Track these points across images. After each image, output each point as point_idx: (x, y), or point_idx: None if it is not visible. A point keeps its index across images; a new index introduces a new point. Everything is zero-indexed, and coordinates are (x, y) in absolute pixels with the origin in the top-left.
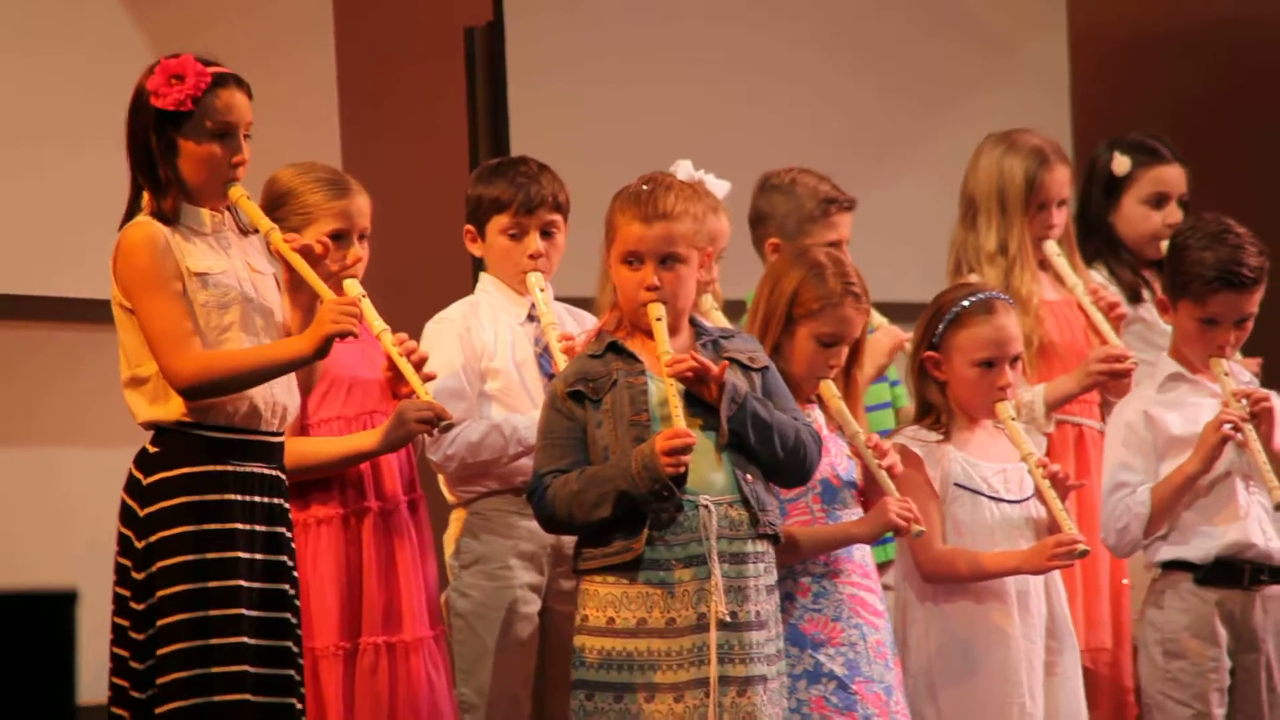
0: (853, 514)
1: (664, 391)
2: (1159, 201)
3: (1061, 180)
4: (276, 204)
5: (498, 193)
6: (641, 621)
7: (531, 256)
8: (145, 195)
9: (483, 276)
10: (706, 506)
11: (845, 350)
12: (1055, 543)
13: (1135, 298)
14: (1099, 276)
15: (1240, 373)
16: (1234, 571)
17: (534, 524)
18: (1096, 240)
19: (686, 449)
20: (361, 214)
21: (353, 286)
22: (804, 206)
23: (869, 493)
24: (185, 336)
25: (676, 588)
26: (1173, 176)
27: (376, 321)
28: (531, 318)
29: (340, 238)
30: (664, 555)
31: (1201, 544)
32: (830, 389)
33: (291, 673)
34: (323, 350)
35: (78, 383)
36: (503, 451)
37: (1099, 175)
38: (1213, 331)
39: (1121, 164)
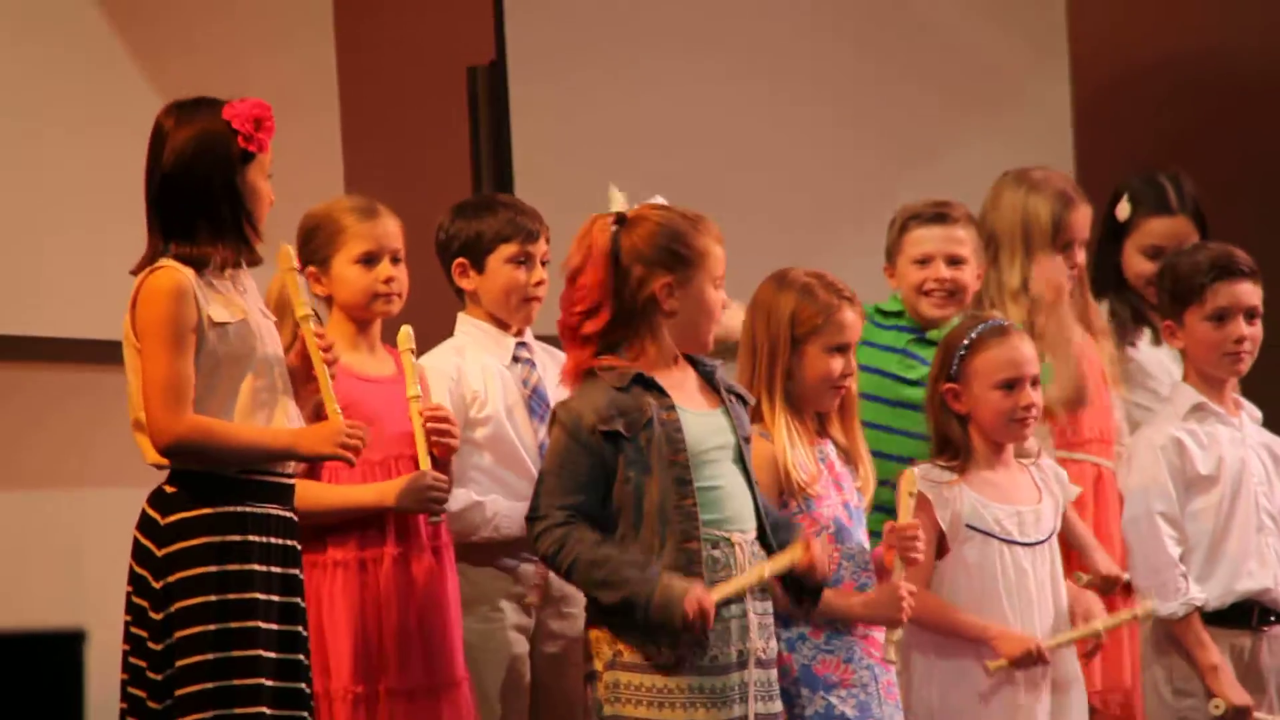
0: (865, 555)
1: (702, 425)
2: (1154, 254)
3: (1084, 221)
4: (309, 235)
5: (500, 223)
6: (682, 659)
7: (538, 284)
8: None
9: (462, 318)
10: (741, 545)
11: (852, 359)
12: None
13: (1125, 338)
14: (1104, 310)
15: (1252, 409)
16: (1243, 613)
17: (524, 565)
18: (1105, 276)
19: (708, 620)
20: (391, 236)
21: (405, 338)
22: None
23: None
24: (183, 395)
25: (717, 624)
26: (1173, 229)
27: (413, 385)
28: (517, 359)
29: (372, 260)
30: None
31: (1219, 588)
32: (912, 480)
33: (305, 715)
34: (315, 462)
35: (72, 422)
36: (476, 530)
37: (1107, 215)
38: (1225, 327)
39: (1123, 209)
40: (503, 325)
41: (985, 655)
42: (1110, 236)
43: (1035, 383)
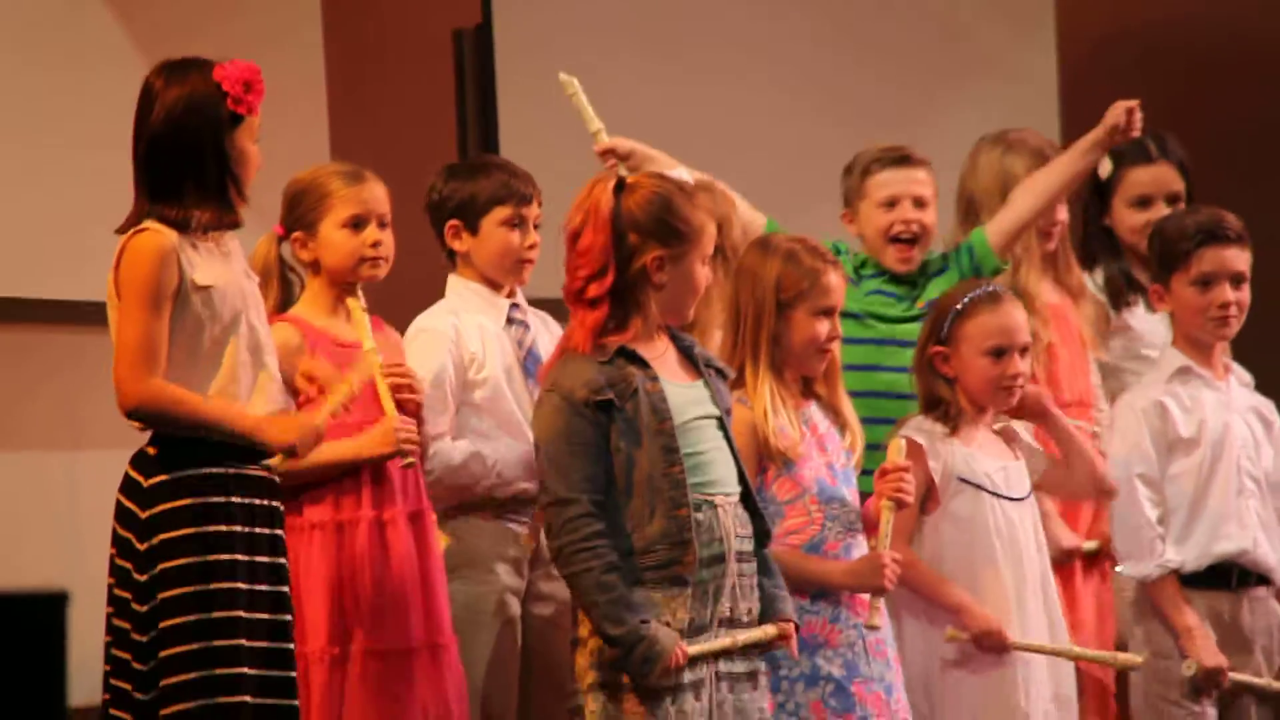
0: (851, 513)
1: (684, 396)
2: (1143, 202)
3: None
4: (295, 201)
5: (495, 185)
6: (667, 624)
7: (530, 247)
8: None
9: (454, 280)
10: (724, 507)
11: (839, 323)
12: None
13: (1118, 304)
14: (1096, 280)
15: (1242, 373)
16: (1222, 575)
17: (516, 527)
18: (1095, 243)
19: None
20: (378, 200)
21: (355, 306)
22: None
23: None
24: (151, 358)
25: (697, 588)
26: (1156, 176)
27: (368, 339)
28: (511, 321)
29: (359, 224)
30: None
31: (1195, 550)
32: (887, 521)
33: (294, 675)
34: (289, 452)
35: (67, 385)
36: (480, 480)
37: (1091, 179)
38: (1210, 292)
39: (1105, 167)
40: (495, 287)
41: (953, 623)
42: (1096, 199)
43: (1025, 351)
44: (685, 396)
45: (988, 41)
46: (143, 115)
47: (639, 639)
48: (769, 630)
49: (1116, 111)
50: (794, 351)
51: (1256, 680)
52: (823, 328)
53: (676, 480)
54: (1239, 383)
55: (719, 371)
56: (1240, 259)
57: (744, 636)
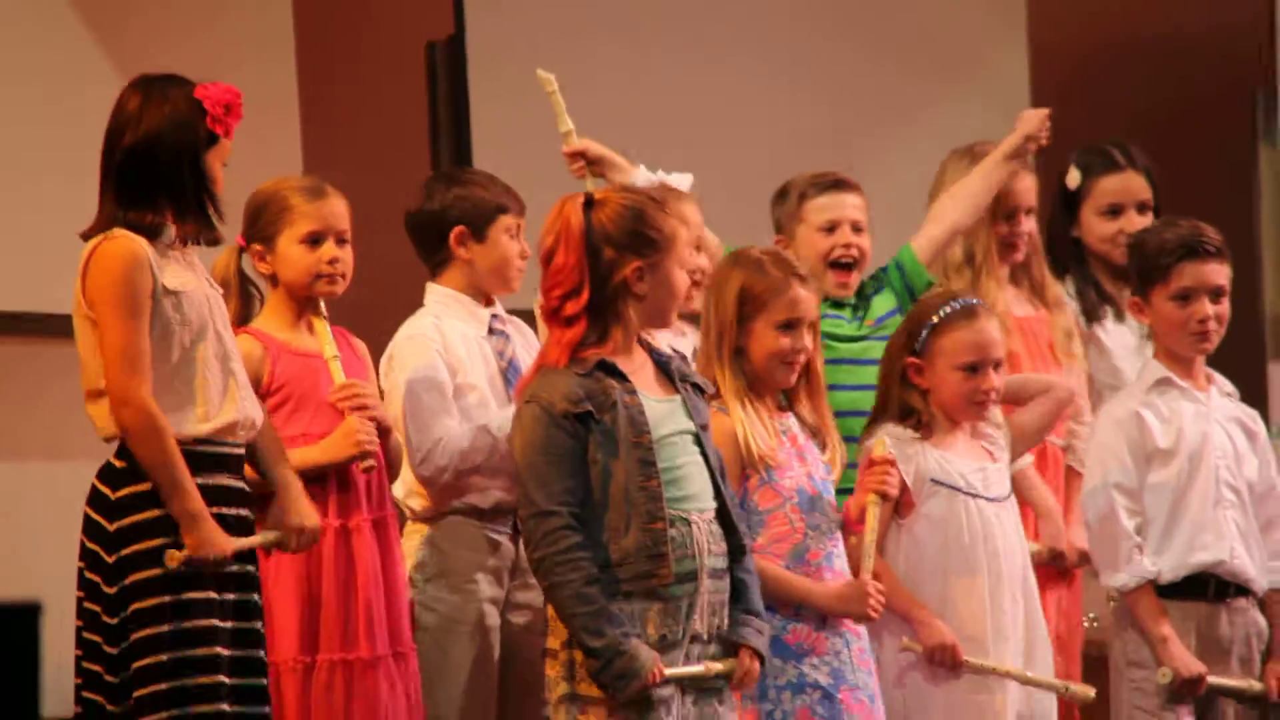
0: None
1: (660, 410)
2: (1114, 211)
3: (1028, 188)
4: (256, 213)
5: (497, 195)
6: (639, 637)
7: (524, 256)
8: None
9: (434, 288)
10: (698, 524)
11: (807, 334)
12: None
13: (1092, 316)
14: (1069, 290)
15: (1224, 384)
16: (1200, 585)
17: (496, 537)
18: (1064, 254)
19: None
20: (337, 216)
21: (321, 326)
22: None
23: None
24: (142, 363)
25: (670, 604)
26: (1125, 184)
27: (329, 347)
28: (493, 330)
29: (317, 240)
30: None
31: (1172, 560)
32: (873, 516)
33: (265, 682)
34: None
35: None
36: (493, 449)
37: (1059, 189)
38: (1189, 307)
39: (1073, 177)
40: (477, 296)
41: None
42: (1065, 208)
43: (999, 366)
44: (662, 411)
45: (961, 45)
46: (121, 126)
47: (618, 653)
48: (731, 665)
49: (1032, 119)
50: (758, 363)
51: (1231, 682)
52: (784, 341)
53: (653, 493)
54: (1220, 393)
55: (696, 386)
56: (1220, 273)
57: (718, 667)
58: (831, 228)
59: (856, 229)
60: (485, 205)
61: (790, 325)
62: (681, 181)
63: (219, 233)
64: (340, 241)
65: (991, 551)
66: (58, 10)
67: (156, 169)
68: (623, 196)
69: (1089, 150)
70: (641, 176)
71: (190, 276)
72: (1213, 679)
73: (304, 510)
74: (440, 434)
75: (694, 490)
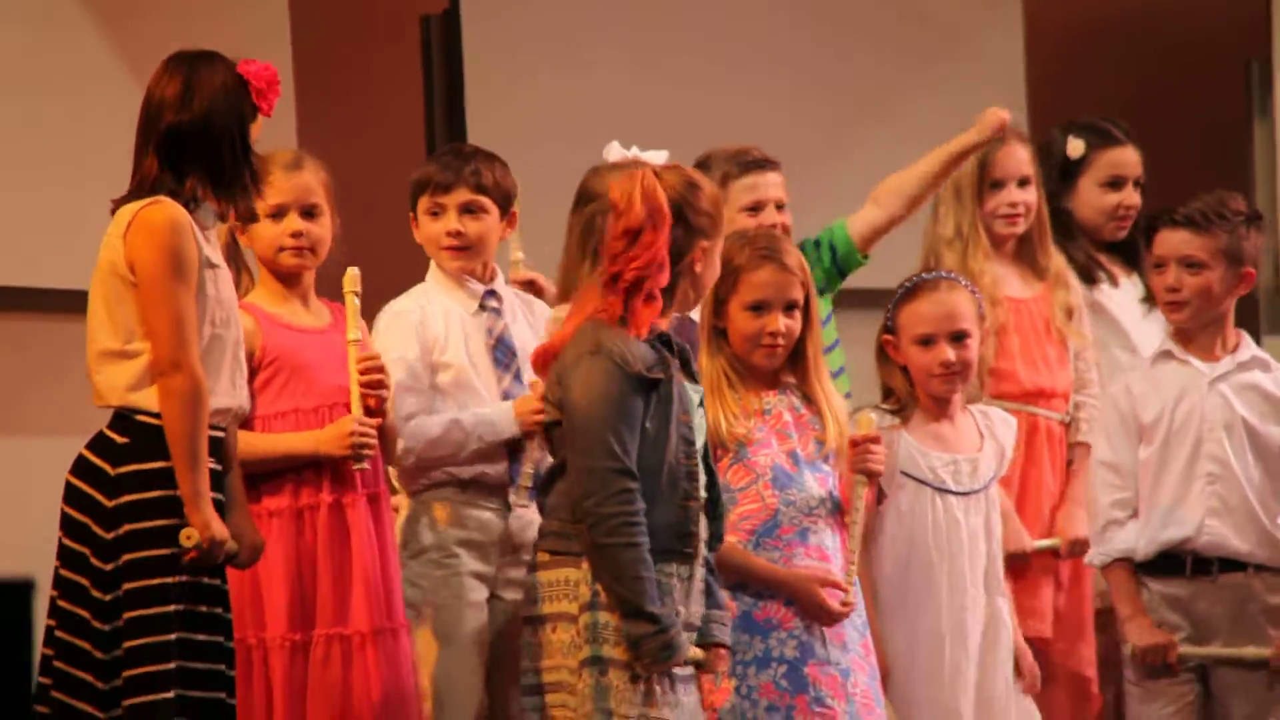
0: (812, 500)
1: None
2: (1115, 184)
3: (1018, 158)
4: None
5: (421, 173)
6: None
7: (449, 234)
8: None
9: (434, 265)
10: (700, 511)
11: (780, 317)
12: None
13: (1089, 280)
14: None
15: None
16: (1176, 562)
17: (483, 514)
18: (1055, 226)
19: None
20: (304, 190)
21: (350, 279)
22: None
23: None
24: (194, 331)
25: (682, 584)
26: (1128, 158)
27: (354, 329)
28: (483, 308)
29: (280, 213)
30: None
31: (1146, 537)
32: (860, 496)
33: (223, 667)
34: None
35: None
36: (462, 447)
37: (1054, 159)
38: (1159, 275)
39: (1076, 147)
40: (473, 272)
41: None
42: (1060, 178)
43: (963, 337)
44: (692, 394)
45: (956, 23)
46: (166, 98)
47: (672, 623)
48: (700, 655)
49: (994, 118)
50: (735, 345)
51: (1223, 651)
52: (755, 323)
53: (690, 472)
54: (1234, 362)
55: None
56: (1189, 243)
57: (699, 655)
58: (756, 208)
59: (780, 207)
60: (412, 188)
61: (759, 307)
62: (656, 158)
63: (257, 209)
64: (307, 214)
65: (954, 547)
66: None
67: (207, 142)
68: (697, 176)
69: (1083, 124)
70: (615, 151)
71: (217, 252)
72: (1190, 649)
73: (252, 525)
74: (404, 412)
75: (703, 478)
